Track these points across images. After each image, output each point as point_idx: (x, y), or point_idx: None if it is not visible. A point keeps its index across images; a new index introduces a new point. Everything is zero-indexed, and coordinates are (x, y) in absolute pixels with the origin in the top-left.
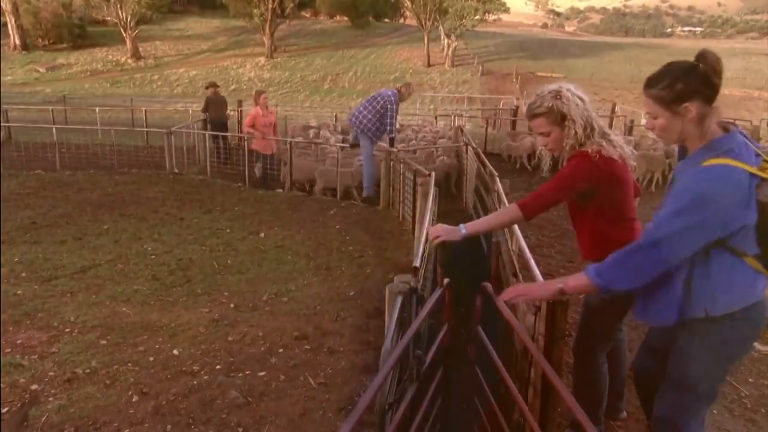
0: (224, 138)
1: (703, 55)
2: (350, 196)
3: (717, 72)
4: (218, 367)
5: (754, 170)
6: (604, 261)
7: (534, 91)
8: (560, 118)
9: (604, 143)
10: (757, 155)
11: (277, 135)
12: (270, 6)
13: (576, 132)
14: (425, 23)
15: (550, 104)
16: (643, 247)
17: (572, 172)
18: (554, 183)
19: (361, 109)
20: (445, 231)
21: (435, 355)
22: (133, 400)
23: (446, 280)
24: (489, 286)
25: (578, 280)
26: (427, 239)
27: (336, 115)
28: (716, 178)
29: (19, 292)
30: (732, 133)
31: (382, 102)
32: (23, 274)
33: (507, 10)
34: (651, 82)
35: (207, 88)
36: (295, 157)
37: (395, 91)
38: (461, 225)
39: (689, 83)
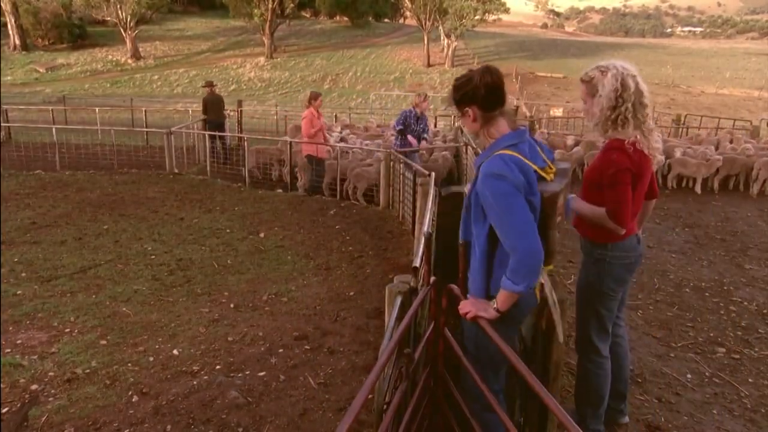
0: (222, 138)
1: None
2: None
3: (483, 85)
4: (218, 367)
5: (535, 167)
6: (509, 271)
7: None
8: (595, 92)
9: (638, 136)
10: (544, 161)
11: (326, 140)
12: (270, 6)
13: (600, 112)
14: (425, 23)
15: (592, 75)
16: (516, 244)
17: (614, 166)
18: (617, 184)
19: None
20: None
21: (421, 354)
22: (133, 400)
23: (433, 278)
24: (455, 288)
25: (503, 296)
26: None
27: (336, 115)
28: (504, 161)
29: (19, 292)
30: (518, 132)
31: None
32: (23, 274)
33: (507, 11)
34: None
35: (204, 86)
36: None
37: (413, 107)
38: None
39: (465, 92)
